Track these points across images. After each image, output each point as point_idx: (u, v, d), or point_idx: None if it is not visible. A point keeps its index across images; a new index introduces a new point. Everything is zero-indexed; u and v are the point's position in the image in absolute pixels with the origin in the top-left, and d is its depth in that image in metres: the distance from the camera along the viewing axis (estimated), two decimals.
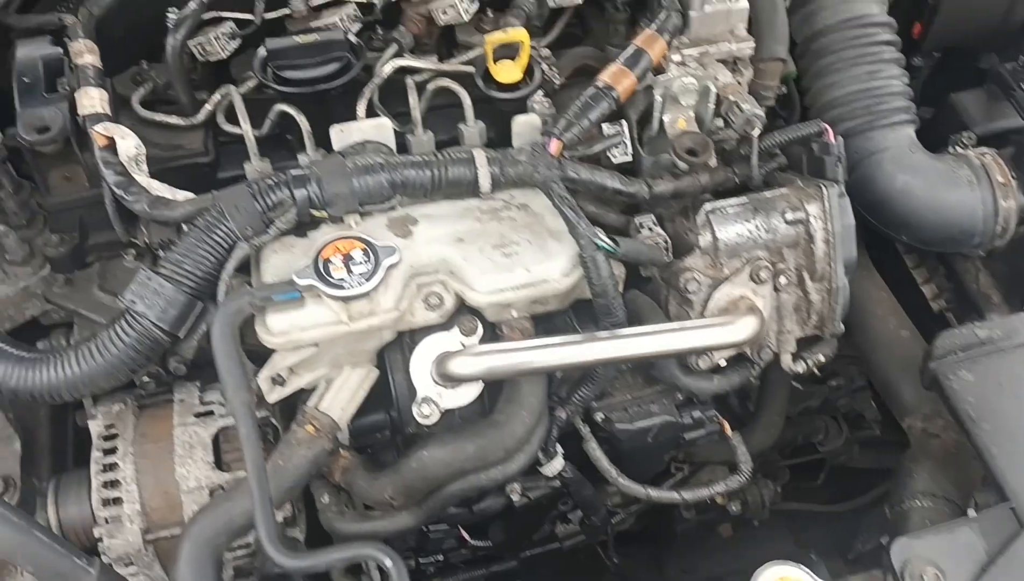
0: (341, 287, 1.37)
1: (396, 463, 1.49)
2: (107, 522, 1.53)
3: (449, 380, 1.46)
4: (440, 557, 1.83)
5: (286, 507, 1.58)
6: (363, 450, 1.60)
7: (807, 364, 1.64)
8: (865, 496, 2.38)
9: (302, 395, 1.52)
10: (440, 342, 1.49)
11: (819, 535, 2.40)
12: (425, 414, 1.47)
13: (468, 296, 1.47)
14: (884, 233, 1.74)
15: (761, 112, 1.59)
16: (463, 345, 1.48)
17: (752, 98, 1.62)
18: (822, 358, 1.66)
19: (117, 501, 1.54)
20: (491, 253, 1.48)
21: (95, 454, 1.58)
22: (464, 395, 1.49)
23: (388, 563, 1.27)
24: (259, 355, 1.46)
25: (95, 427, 1.62)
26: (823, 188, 1.52)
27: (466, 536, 1.75)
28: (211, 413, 1.62)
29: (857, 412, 2.34)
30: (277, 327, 1.41)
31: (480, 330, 1.50)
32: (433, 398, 1.48)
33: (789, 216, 1.54)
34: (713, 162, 1.60)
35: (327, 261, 1.39)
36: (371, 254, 1.40)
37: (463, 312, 1.52)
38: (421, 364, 1.49)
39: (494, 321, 1.52)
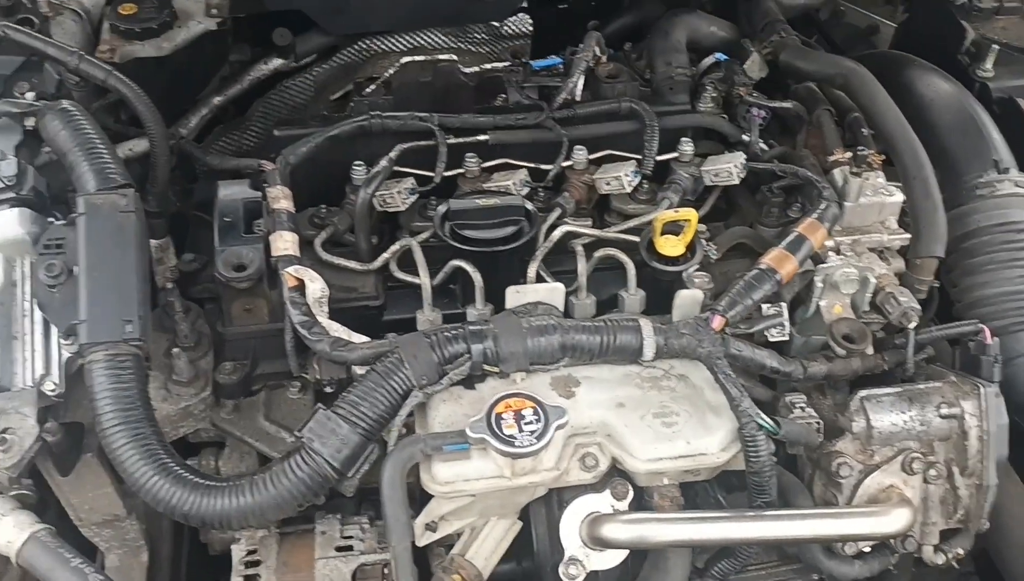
0: (511, 444, 1.42)
1: None
2: None
3: (599, 543, 1.48)
4: None
5: None
6: None
7: (947, 557, 1.63)
8: None
9: None
10: (592, 504, 1.52)
11: None
12: (572, 574, 1.49)
13: (627, 462, 1.50)
14: None
15: (917, 306, 1.64)
16: (614, 508, 1.51)
17: (908, 291, 1.67)
18: (961, 552, 1.65)
19: None
20: (652, 421, 1.52)
21: (236, 579, 1.62)
22: (610, 559, 1.51)
23: None
24: None
25: (238, 550, 1.66)
26: (980, 386, 1.55)
27: None
28: (351, 548, 1.66)
29: None
30: (443, 476, 1.45)
31: (631, 495, 1.53)
32: (580, 559, 1.49)
33: (944, 411, 1.56)
34: (870, 350, 1.63)
35: (500, 417, 1.44)
36: (542, 414, 1.45)
37: (615, 475, 1.55)
38: (571, 524, 1.51)
39: (644, 486, 1.54)
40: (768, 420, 1.48)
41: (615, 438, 1.51)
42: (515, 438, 1.43)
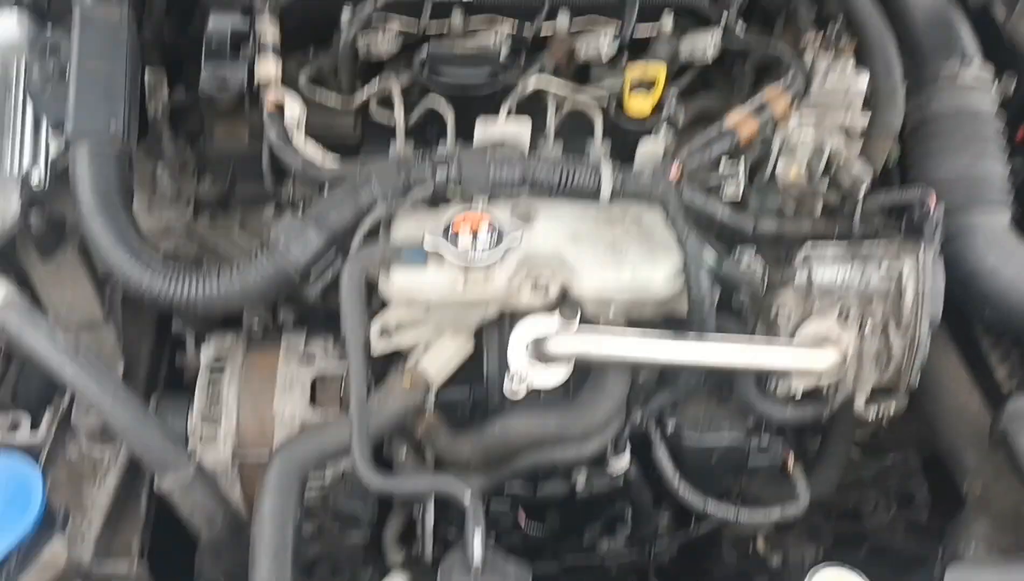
0: (465, 256, 1.50)
1: (480, 427, 1.60)
2: (203, 437, 1.65)
3: (544, 358, 1.57)
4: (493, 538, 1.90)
5: None
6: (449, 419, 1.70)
7: (879, 411, 1.71)
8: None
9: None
10: (541, 323, 1.61)
11: None
12: (515, 389, 1.58)
13: (575, 286, 1.58)
14: (966, 310, 1.82)
15: (868, 174, 1.70)
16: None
17: (862, 162, 1.74)
18: (892, 409, 1.73)
19: (216, 419, 1.66)
20: (602, 252, 1.60)
21: (203, 376, 1.72)
22: (553, 377, 1.60)
23: (467, 494, 1.36)
24: None
25: (207, 352, 1.76)
26: (921, 246, 1.62)
27: (522, 521, 1.83)
28: (313, 359, 1.75)
29: (908, 494, 2.38)
30: (399, 282, 1.54)
31: (578, 317, 1.61)
32: (524, 375, 1.58)
33: (884, 268, 1.63)
34: (817, 212, 1.70)
35: (456, 232, 1.52)
36: (497, 231, 1.53)
37: (565, 299, 1.63)
38: (519, 341, 1.60)
39: (590, 318, 1.63)
40: (711, 261, 1.56)
41: (567, 266, 1.59)
42: (468, 252, 1.51)
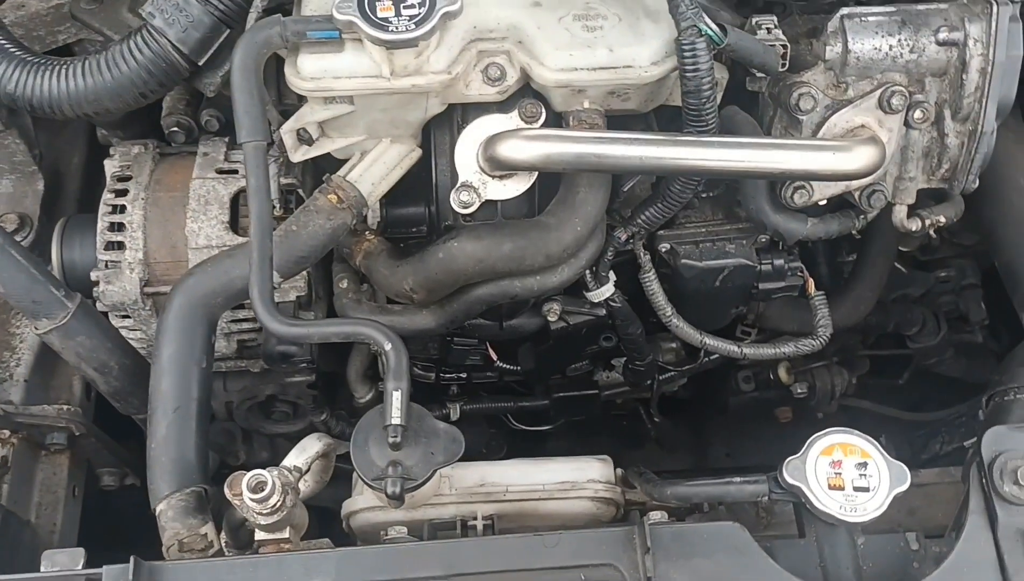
0: (384, 28, 1.15)
1: (421, 252, 1.31)
2: (107, 267, 1.39)
3: (497, 166, 1.25)
4: (463, 375, 1.66)
5: (299, 285, 1.42)
6: (396, 243, 1.42)
7: (923, 223, 1.38)
8: (951, 409, 2.12)
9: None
10: (495, 124, 1.28)
11: (892, 443, 2.16)
12: (463, 202, 1.28)
13: (535, 72, 1.24)
14: None
15: None
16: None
17: None
18: (943, 219, 1.40)
19: (120, 246, 1.40)
20: (571, 24, 1.24)
21: (106, 194, 1.44)
22: (511, 188, 1.29)
23: (387, 346, 1.10)
24: None
25: (110, 166, 1.48)
26: (994, 5, 1.22)
27: (493, 355, 1.58)
28: (235, 172, 1.45)
29: (961, 313, 2.06)
30: (308, 70, 1.21)
31: (543, 118, 1.28)
32: (475, 185, 1.28)
33: (943, 36, 1.25)
34: None
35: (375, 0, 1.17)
36: None
37: (527, 95, 1.29)
38: (468, 145, 1.28)
39: (561, 111, 1.29)
40: (713, 26, 1.18)
41: (525, 44, 1.24)
42: (389, 22, 1.16)
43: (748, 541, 1.08)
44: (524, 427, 2.00)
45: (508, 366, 1.63)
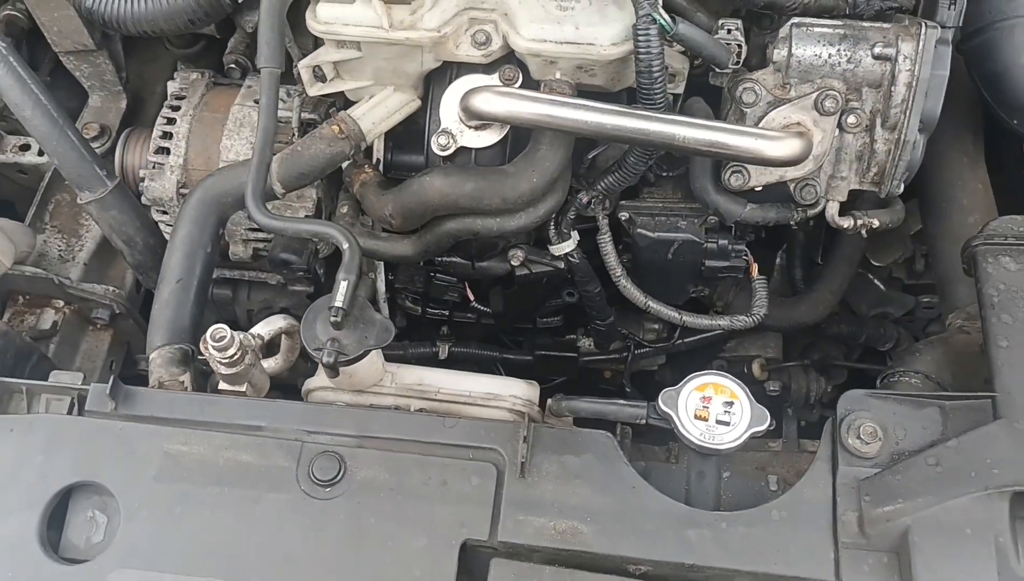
0: None
1: (401, 184, 1.53)
2: (153, 167, 1.67)
3: (471, 116, 1.46)
4: (446, 312, 1.87)
5: (308, 205, 1.65)
6: (395, 183, 1.64)
7: (855, 222, 1.51)
8: None
9: None
10: (477, 81, 1.49)
11: None
12: (442, 145, 1.49)
13: (512, 40, 1.44)
14: (995, 113, 1.54)
15: None
16: None
17: None
18: (876, 222, 1.52)
19: (166, 152, 1.67)
20: (547, 3, 1.44)
21: (163, 109, 1.72)
22: (484, 139, 1.49)
23: (345, 245, 1.31)
24: None
25: (171, 86, 1.75)
26: (923, 27, 1.36)
27: (470, 294, 1.78)
28: None
29: None
30: (323, 15, 1.45)
31: (519, 81, 1.48)
32: (453, 132, 1.49)
33: (878, 50, 1.39)
34: None
35: None
36: None
37: (511, 62, 1.50)
38: (452, 98, 1.50)
39: (538, 78, 1.49)
40: (666, 16, 1.37)
41: (509, 16, 1.45)
42: None
43: (615, 449, 1.25)
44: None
45: (482, 307, 1.83)
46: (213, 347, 1.29)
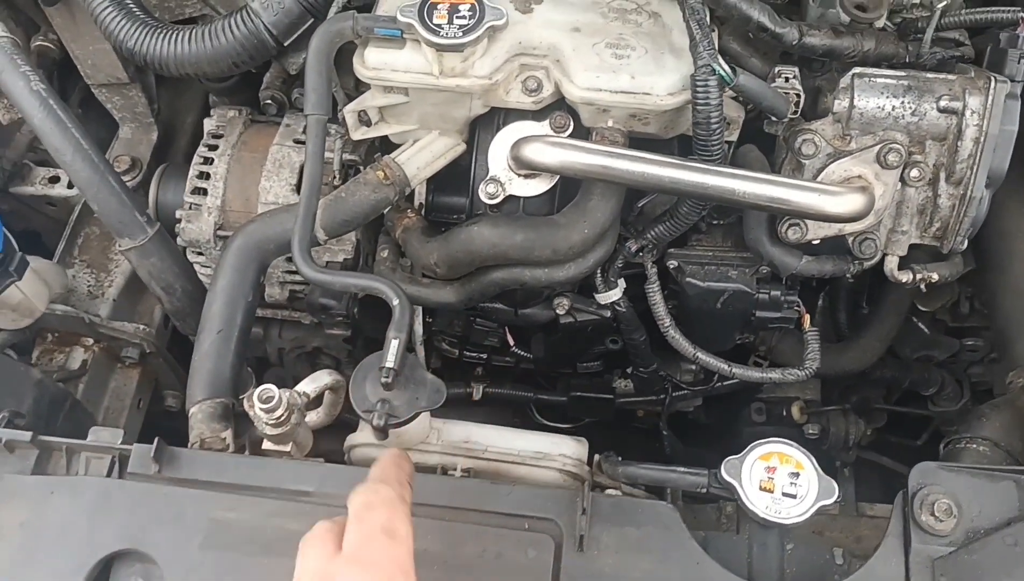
0: (436, 33, 1.34)
1: (448, 232, 1.49)
2: (190, 208, 1.63)
3: (521, 165, 1.42)
4: (484, 355, 1.83)
5: (347, 249, 1.62)
6: (437, 226, 1.60)
7: (914, 276, 1.47)
8: None
9: None
10: (527, 129, 1.45)
11: None
12: (490, 193, 1.45)
13: (565, 88, 1.40)
14: None
15: None
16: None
17: None
18: (935, 277, 1.48)
19: (203, 192, 1.63)
20: (602, 51, 1.40)
21: (200, 148, 1.68)
22: (533, 187, 1.45)
23: (395, 302, 1.27)
24: None
25: (208, 124, 1.72)
26: (992, 81, 1.32)
27: (510, 339, 1.74)
28: None
29: (987, 386, 2.10)
30: (372, 61, 1.41)
31: (571, 129, 1.44)
32: (502, 180, 1.45)
33: (943, 103, 1.35)
34: (881, 24, 1.42)
35: (433, 6, 1.36)
36: (478, 11, 1.36)
37: (562, 108, 1.46)
38: (502, 145, 1.46)
39: (589, 126, 1.45)
40: (725, 67, 1.33)
41: (562, 63, 1.41)
42: (442, 28, 1.35)
43: (677, 521, 1.21)
44: (546, 422, 2.15)
45: (522, 352, 1.79)
46: (260, 408, 1.25)
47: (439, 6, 1.36)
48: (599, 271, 1.56)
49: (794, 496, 1.20)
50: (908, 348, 2.00)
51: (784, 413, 2.06)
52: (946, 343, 2.01)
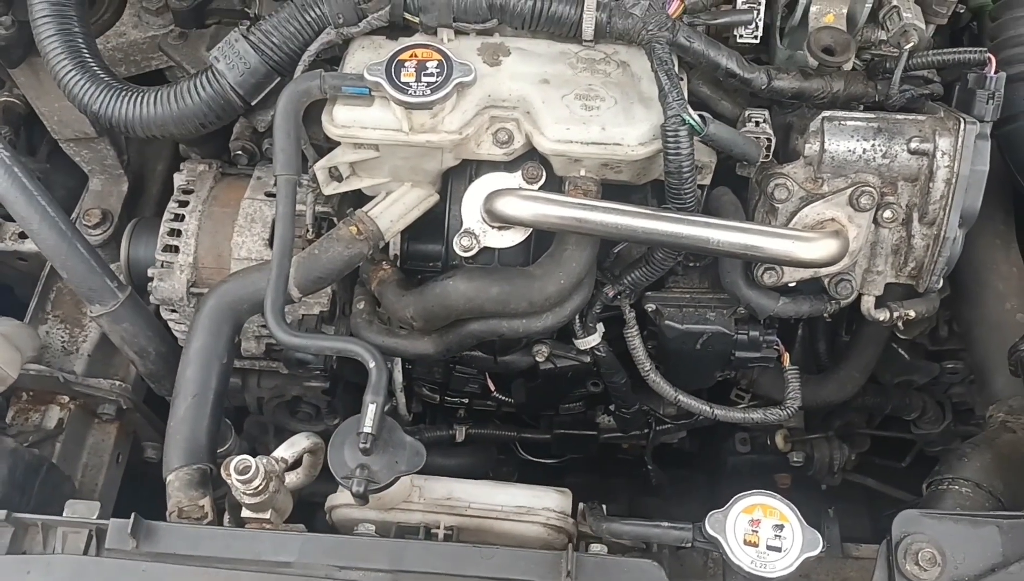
0: (404, 91, 1.33)
1: (423, 286, 1.48)
2: (162, 266, 1.61)
3: (495, 218, 1.41)
4: (465, 400, 1.82)
5: (323, 301, 1.60)
6: (412, 275, 1.59)
7: (891, 315, 1.47)
8: None
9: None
10: (500, 181, 1.45)
11: None
12: (464, 246, 1.44)
13: (536, 140, 1.40)
14: None
15: (922, 25, 1.39)
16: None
17: (919, 9, 1.42)
18: (912, 314, 1.49)
19: (175, 249, 1.61)
20: (572, 102, 1.40)
21: (171, 204, 1.66)
22: (507, 239, 1.44)
23: (371, 364, 1.26)
24: None
25: (178, 179, 1.70)
26: (961, 122, 1.32)
27: (491, 385, 1.73)
28: None
29: (968, 406, 2.11)
30: (340, 119, 1.40)
31: (543, 179, 1.44)
32: (476, 232, 1.44)
33: (914, 145, 1.35)
34: (849, 67, 1.42)
35: (401, 64, 1.35)
36: (445, 68, 1.35)
37: (533, 159, 1.45)
38: (474, 198, 1.45)
39: (561, 175, 1.44)
40: (695, 116, 1.32)
41: (532, 115, 1.40)
42: (410, 86, 1.34)
43: (663, 578, 1.20)
44: (531, 458, 2.14)
45: (503, 398, 1.78)
46: (238, 480, 1.24)
47: (406, 64, 1.35)
48: (577, 317, 1.55)
49: (779, 549, 1.20)
50: (888, 374, 2.01)
51: (768, 442, 2.06)
52: (926, 368, 2.02)
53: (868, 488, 2.24)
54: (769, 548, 1.20)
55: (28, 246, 1.91)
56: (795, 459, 2.07)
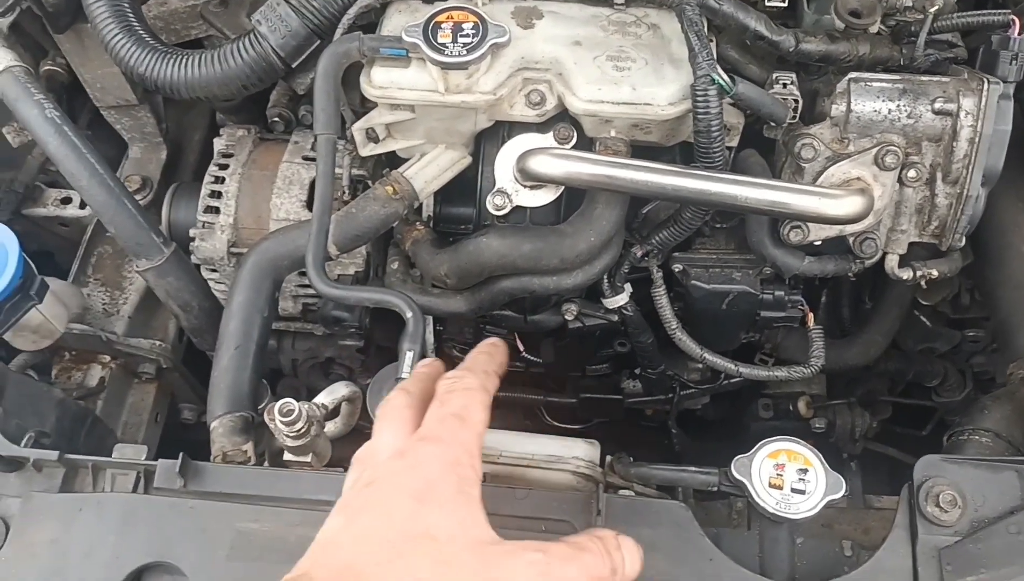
0: (441, 52, 1.38)
1: (457, 243, 1.52)
2: (203, 226, 1.66)
3: (527, 177, 1.45)
4: None
5: (358, 262, 1.65)
6: (444, 237, 1.63)
7: (914, 273, 1.50)
8: None
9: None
10: (532, 141, 1.49)
11: None
12: (497, 205, 1.48)
13: (568, 100, 1.44)
14: None
15: None
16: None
17: None
18: (935, 273, 1.51)
19: (216, 210, 1.66)
20: (603, 63, 1.43)
21: (211, 167, 1.71)
22: (539, 198, 1.49)
23: (408, 314, 1.31)
24: None
25: (218, 144, 1.75)
26: (985, 83, 1.35)
27: (520, 344, 1.77)
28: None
29: (989, 375, 2.13)
30: (378, 80, 1.45)
31: (574, 140, 1.48)
32: (508, 192, 1.48)
33: (938, 105, 1.38)
34: (875, 29, 1.45)
35: (438, 25, 1.40)
36: (480, 29, 1.39)
37: (564, 120, 1.49)
38: (507, 158, 1.49)
39: (592, 136, 1.48)
40: (724, 76, 1.36)
41: (564, 77, 1.44)
42: (446, 47, 1.38)
43: (690, 519, 1.24)
44: (556, 423, 2.19)
45: (532, 358, 1.82)
46: (281, 422, 1.29)
47: (443, 25, 1.40)
48: (606, 277, 1.60)
49: (803, 492, 1.23)
50: (911, 341, 2.04)
51: (791, 408, 2.09)
52: (948, 335, 2.04)
53: (889, 458, 2.27)
54: (793, 491, 1.23)
55: (70, 211, 1.98)
56: (817, 425, 2.09)
